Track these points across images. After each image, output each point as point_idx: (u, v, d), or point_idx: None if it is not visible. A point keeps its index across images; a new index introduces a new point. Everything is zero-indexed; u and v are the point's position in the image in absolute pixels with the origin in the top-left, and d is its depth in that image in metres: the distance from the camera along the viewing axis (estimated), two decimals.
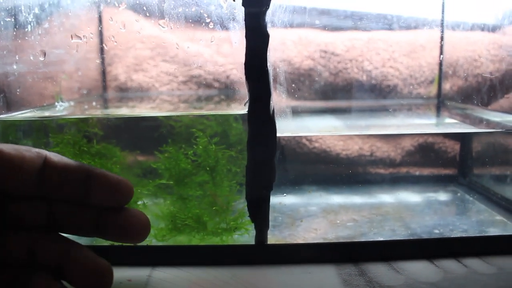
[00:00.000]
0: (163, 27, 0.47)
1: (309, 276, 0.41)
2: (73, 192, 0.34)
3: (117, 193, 0.35)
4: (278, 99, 0.53)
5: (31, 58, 0.50)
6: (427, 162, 0.71)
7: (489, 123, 0.60)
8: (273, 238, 0.50)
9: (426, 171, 0.70)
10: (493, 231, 0.52)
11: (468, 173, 0.69)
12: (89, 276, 0.34)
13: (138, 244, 0.38)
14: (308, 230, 0.52)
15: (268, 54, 0.41)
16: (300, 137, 0.68)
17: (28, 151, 0.33)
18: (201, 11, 0.46)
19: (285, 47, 0.65)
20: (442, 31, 0.63)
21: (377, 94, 0.67)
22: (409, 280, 0.40)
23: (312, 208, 0.59)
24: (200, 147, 0.48)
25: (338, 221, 0.55)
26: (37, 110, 0.54)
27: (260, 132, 0.43)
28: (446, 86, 0.67)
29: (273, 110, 0.43)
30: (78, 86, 0.59)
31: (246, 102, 0.42)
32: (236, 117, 0.51)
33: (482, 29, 0.62)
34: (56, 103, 0.55)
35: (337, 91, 0.66)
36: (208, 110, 0.58)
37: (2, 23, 0.48)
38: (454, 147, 0.70)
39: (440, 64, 0.66)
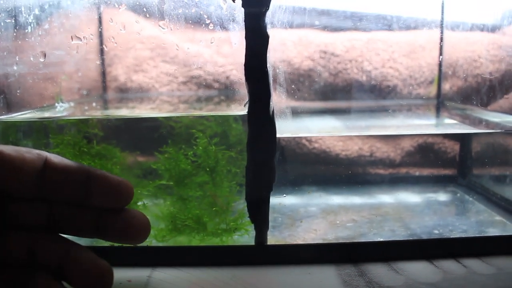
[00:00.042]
0: (163, 28, 0.47)
1: (309, 276, 0.41)
2: (74, 193, 0.34)
3: (117, 195, 0.35)
4: (278, 100, 0.53)
5: (31, 59, 0.50)
6: (427, 163, 0.71)
7: (488, 124, 0.60)
8: (273, 238, 0.50)
9: (425, 172, 0.70)
10: (493, 232, 0.52)
11: (467, 174, 0.69)
12: (89, 276, 0.34)
13: (138, 245, 0.38)
14: (308, 230, 0.52)
15: (268, 54, 0.41)
16: (300, 137, 0.68)
17: (29, 152, 0.33)
18: (201, 12, 0.46)
19: (285, 48, 0.65)
20: (442, 32, 0.63)
21: (376, 94, 0.67)
22: (408, 281, 0.40)
23: (312, 208, 0.59)
24: (200, 147, 0.48)
25: (337, 222, 0.55)
26: (37, 111, 0.54)
27: (260, 132, 0.43)
28: (446, 86, 0.67)
29: (273, 111, 0.43)
30: (78, 87, 0.59)
31: (246, 102, 0.42)
32: (236, 117, 0.51)
33: (482, 30, 0.62)
34: (56, 104, 0.55)
35: (336, 92, 0.66)
36: (208, 110, 0.58)
37: (2, 24, 0.49)
38: (453, 148, 0.70)
39: (440, 64, 0.66)
